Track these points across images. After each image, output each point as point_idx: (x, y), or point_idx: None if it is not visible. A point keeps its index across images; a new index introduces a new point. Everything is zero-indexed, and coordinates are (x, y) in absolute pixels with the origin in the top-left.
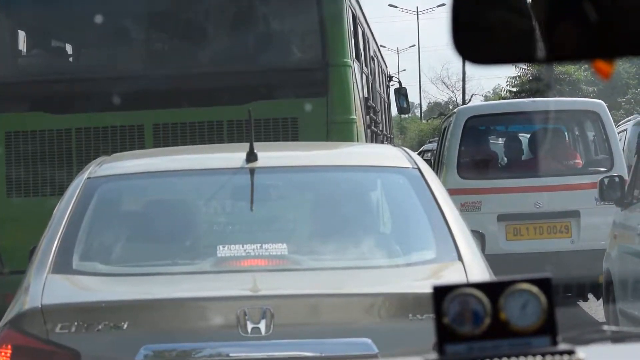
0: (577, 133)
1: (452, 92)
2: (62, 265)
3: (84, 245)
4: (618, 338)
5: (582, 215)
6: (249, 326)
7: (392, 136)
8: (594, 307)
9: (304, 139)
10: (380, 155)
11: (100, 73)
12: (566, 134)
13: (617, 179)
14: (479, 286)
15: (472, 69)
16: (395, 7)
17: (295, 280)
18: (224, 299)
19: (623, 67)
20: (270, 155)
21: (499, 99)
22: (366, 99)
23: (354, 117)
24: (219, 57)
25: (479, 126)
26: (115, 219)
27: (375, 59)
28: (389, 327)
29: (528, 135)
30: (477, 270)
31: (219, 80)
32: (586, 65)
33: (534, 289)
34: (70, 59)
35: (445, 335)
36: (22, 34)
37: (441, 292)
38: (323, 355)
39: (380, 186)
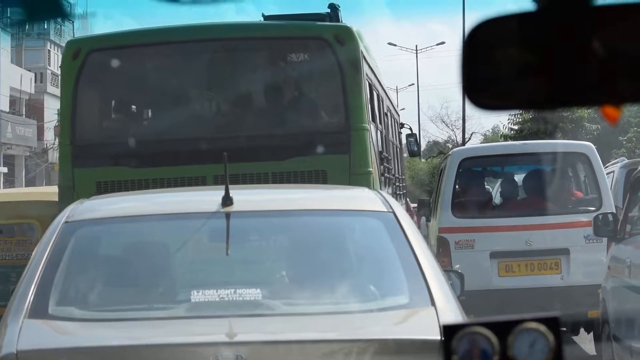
0: (567, 173)
1: (452, 130)
2: (38, 310)
3: (60, 290)
4: None
5: (572, 252)
6: None
7: (404, 177)
8: (585, 341)
9: None
10: (355, 199)
11: (170, 135)
12: (557, 174)
13: (610, 216)
14: (488, 325)
15: (471, 108)
16: (394, 45)
17: (269, 326)
18: (197, 345)
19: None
20: (246, 199)
21: (501, 137)
22: (380, 152)
23: (371, 169)
24: (265, 123)
25: (472, 167)
26: (91, 264)
27: (389, 113)
28: None
29: (520, 176)
30: (449, 315)
31: (266, 141)
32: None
33: (542, 327)
34: (146, 123)
35: None
36: (106, 104)
37: (451, 331)
38: None
39: (355, 230)
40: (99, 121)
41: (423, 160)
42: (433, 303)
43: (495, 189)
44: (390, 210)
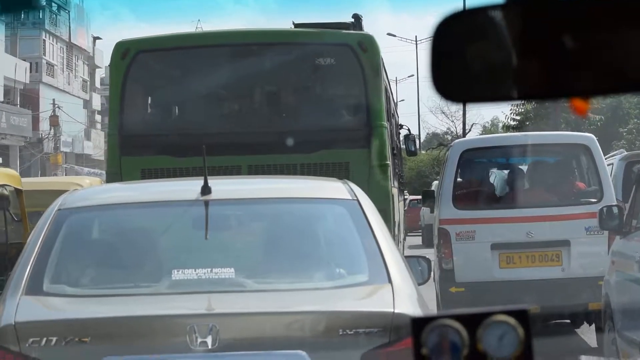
0: (568, 165)
1: (452, 121)
2: (34, 288)
3: (54, 270)
4: None
5: (573, 244)
6: (197, 341)
7: (403, 173)
8: (586, 333)
9: (354, 178)
10: (324, 189)
11: (209, 128)
12: (558, 166)
13: (615, 209)
14: (458, 317)
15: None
16: (394, 35)
17: (240, 300)
18: (175, 317)
19: (625, 97)
20: (223, 188)
21: (503, 127)
22: (392, 148)
23: (388, 162)
24: (294, 119)
25: (473, 159)
26: (81, 247)
27: (394, 115)
28: (322, 341)
29: (521, 168)
30: (405, 292)
31: (294, 136)
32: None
33: (512, 320)
34: (186, 117)
35: None
36: (151, 99)
37: (420, 324)
38: None
39: (322, 216)
40: (143, 114)
41: (423, 152)
42: (390, 281)
43: (496, 181)
44: (355, 199)
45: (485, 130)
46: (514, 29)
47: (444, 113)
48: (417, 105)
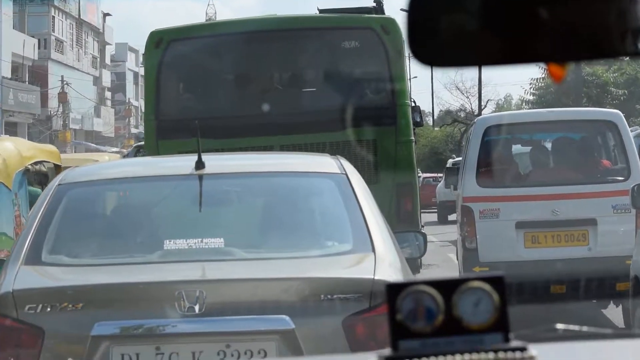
0: (594, 142)
1: (467, 97)
2: (33, 258)
3: (53, 242)
4: (570, 336)
5: (599, 223)
6: (185, 306)
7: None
8: (612, 314)
9: (381, 154)
10: (314, 164)
11: (241, 111)
12: (584, 143)
13: None
14: (433, 284)
15: (488, 74)
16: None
17: (227, 268)
18: (164, 283)
19: None
20: (216, 163)
21: (523, 103)
22: (412, 125)
23: (412, 138)
24: (323, 100)
25: (497, 135)
26: (79, 219)
27: None
28: (305, 306)
29: (546, 145)
30: (387, 261)
31: (324, 116)
32: (615, 67)
33: (487, 286)
34: (220, 101)
35: (398, 332)
36: (185, 85)
37: (395, 290)
38: (247, 330)
39: (310, 189)
40: (178, 99)
41: (436, 128)
42: (373, 250)
43: (520, 158)
44: (343, 173)
45: (499, 107)
46: None
47: (458, 89)
48: (431, 81)
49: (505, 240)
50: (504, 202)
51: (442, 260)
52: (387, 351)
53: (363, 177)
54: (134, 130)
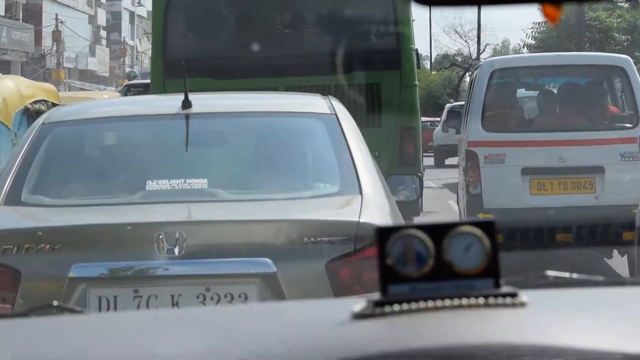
0: (602, 88)
1: (465, 41)
2: (12, 199)
3: (33, 182)
4: (561, 283)
5: (607, 171)
6: (164, 248)
7: None
8: (618, 264)
9: (385, 98)
10: (303, 104)
11: (248, 52)
12: (592, 89)
13: None
14: (423, 228)
15: (486, 19)
16: None
17: (209, 209)
18: (143, 225)
19: None
20: (203, 103)
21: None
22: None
23: (417, 82)
24: (329, 43)
25: (504, 79)
26: (61, 159)
27: None
28: (287, 249)
29: (554, 89)
30: (374, 204)
31: (329, 58)
32: (619, 12)
33: (478, 231)
34: (227, 42)
35: (388, 276)
36: (192, 25)
37: (384, 233)
38: (227, 273)
39: (298, 129)
40: (186, 39)
41: (434, 72)
42: (361, 192)
43: (527, 102)
44: (333, 113)
45: (496, 52)
46: None
47: (457, 32)
48: (429, 25)
49: (511, 187)
50: (510, 147)
51: (442, 207)
52: (376, 295)
53: (367, 120)
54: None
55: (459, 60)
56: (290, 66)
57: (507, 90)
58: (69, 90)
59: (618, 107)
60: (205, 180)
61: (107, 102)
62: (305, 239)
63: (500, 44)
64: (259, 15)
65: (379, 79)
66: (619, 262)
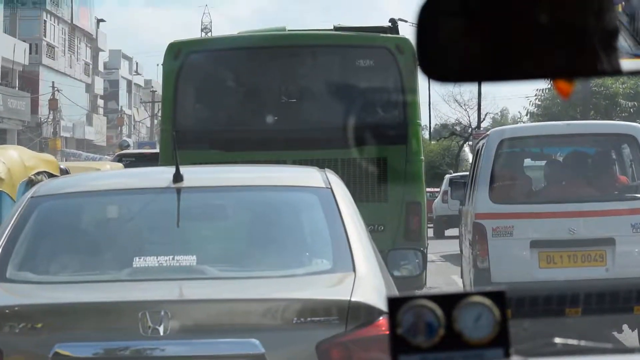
0: (611, 157)
1: (465, 110)
2: None
3: (20, 257)
4: (570, 351)
5: (618, 243)
6: (149, 327)
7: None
8: (629, 339)
9: (391, 172)
10: (298, 177)
11: (257, 125)
12: (602, 158)
13: None
14: (433, 298)
15: (487, 88)
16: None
17: (196, 287)
18: (127, 303)
19: None
20: (195, 177)
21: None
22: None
23: (422, 157)
24: (336, 117)
25: (512, 149)
26: (49, 234)
27: None
28: (276, 329)
29: (563, 159)
30: (368, 281)
31: (336, 133)
32: (624, 78)
33: (487, 301)
34: (236, 114)
35: (399, 346)
36: (202, 97)
37: (396, 303)
38: (213, 354)
39: (291, 204)
40: (195, 111)
41: (433, 142)
42: (354, 269)
43: (535, 172)
44: (329, 187)
45: (495, 122)
46: (498, 5)
47: (456, 101)
48: (428, 93)
49: (519, 260)
50: (518, 219)
51: (445, 283)
52: None
53: (372, 195)
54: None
55: (458, 129)
56: (298, 139)
57: (516, 160)
58: (65, 161)
59: (627, 176)
60: (194, 257)
61: (97, 174)
62: (295, 318)
63: (500, 113)
64: (268, 89)
65: (386, 154)
66: (629, 336)
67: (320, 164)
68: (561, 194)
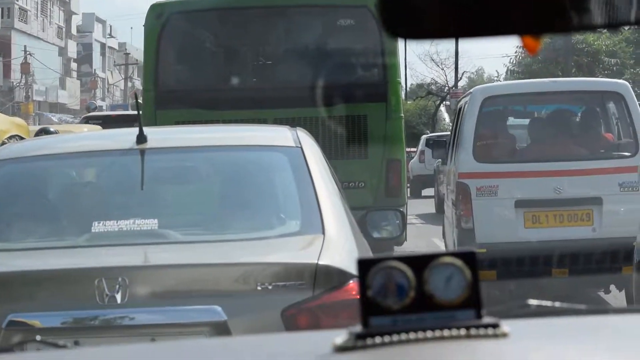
0: (598, 115)
1: (442, 69)
2: None
3: None
4: (542, 313)
5: (605, 202)
6: (106, 295)
7: None
8: (616, 300)
9: (372, 130)
10: (266, 136)
11: (237, 84)
12: (588, 116)
13: None
14: (404, 259)
15: (465, 46)
16: None
17: (156, 253)
18: (82, 270)
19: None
20: (159, 137)
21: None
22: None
23: (402, 115)
24: (317, 75)
25: (496, 107)
26: (6, 199)
27: None
28: (239, 296)
29: (548, 117)
30: (337, 244)
31: (321, 91)
32: (607, 35)
33: (458, 262)
34: (216, 73)
35: (369, 308)
36: (184, 57)
37: (365, 265)
38: (173, 322)
39: (259, 164)
40: (178, 71)
41: (409, 101)
42: (323, 231)
43: (520, 131)
44: (298, 146)
45: (471, 81)
46: None
47: (433, 60)
48: (405, 52)
49: (504, 220)
50: (503, 178)
51: (427, 246)
52: (357, 328)
53: (353, 152)
54: (99, 103)
55: (434, 89)
56: (279, 98)
57: (500, 119)
58: (38, 124)
59: (613, 134)
60: (156, 221)
61: (61, 137)
62: (259, 283)
63: (475, 72)
64: (249, 49)
65: (366, 111)
66: (618, 296)
67: (302, 122)
68: (547, 153)
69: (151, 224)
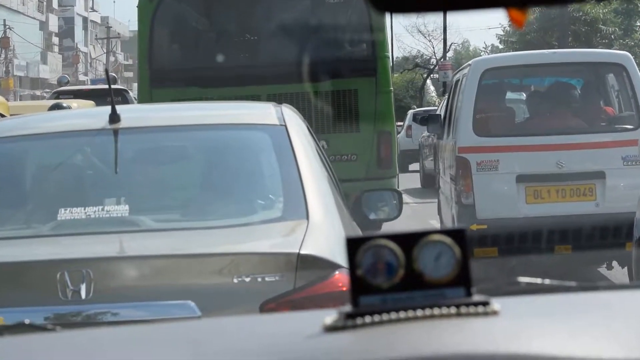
0: (600, 87)
1: (430, 41)
2: None
3: None
4: (533, 290)
5: (608, 177)
6: (69, 290)
7: None
8: (619, 276)
9: (362, 103)
10: (248, 114)
11: (231, 61)
12: (590, 88)
13: None
14: (393, 237)
15: (452, 18)
16: None
17: (126, 242)
18: (43, 262)
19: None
20: (134, 116)
21: (500, 42)
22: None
23: (392, 88)
24: (307, 51)
25: (495, 80)
26: None
27: None
28: (214, 289)
29: (550, 89)
30: (322, 230)
31: (307, 66)
32: (605, 3)
33: (448, 240)
34: (210, 52)
35: (358, 287)
36: (178, 36)
37: (354, 244)
38: (142, 319)
39: (240, 145)
40: (171, 49)
41: (396, 74)
42: (307, 217)
43: (520, 104)
44: (282, 124)
45: (457, 53)
46: None
47: (420, 32)
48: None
49: (505, 195)
50: (504, 152)
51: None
52: (347, 307)
53: (345, 126)
54: (82, 78)
55: (420, 62)
56: (272, 74)
57: (500, 91)
58: (19, 100)
59: (614, 107)
60: (127, 207)
61: (31, 118)
62: (236, 276)
63: (461, 45)
64: (241, 26)
65: (356, 85)
66: (620, 273)
67: (295, 98)
68: (548, 126)
69: (122, 210)
